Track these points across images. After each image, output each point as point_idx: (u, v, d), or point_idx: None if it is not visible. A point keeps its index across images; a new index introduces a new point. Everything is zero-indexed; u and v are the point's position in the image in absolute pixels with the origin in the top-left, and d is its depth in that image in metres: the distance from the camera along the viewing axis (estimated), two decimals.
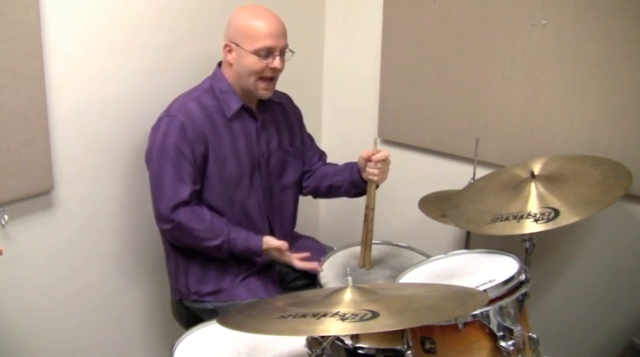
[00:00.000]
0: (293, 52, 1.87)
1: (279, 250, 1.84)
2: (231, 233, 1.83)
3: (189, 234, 1.80)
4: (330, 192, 2.08)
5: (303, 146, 2.11)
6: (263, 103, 1.95)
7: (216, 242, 1.81)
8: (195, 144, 1.79)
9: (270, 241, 1.84)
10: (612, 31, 1.83)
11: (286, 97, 2.09)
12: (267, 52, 1.79)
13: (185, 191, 1.78)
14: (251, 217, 1.94)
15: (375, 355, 1.60)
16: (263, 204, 1.97)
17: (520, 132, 2.08)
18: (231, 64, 1.85)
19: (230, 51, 1.84)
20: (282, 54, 1.83)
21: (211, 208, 1.87)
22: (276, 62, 1.80)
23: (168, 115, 1.82)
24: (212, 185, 1.86)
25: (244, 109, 1.89)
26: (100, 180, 1.97)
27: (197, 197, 1.84)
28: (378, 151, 1.85)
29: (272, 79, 1.85)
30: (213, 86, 1.88)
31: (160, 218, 1.81)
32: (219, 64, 1.92)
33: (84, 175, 1.93)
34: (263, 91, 1.84)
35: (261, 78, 1.82)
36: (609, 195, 1.59)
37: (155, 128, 1.84)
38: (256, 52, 1.78)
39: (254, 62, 1.79)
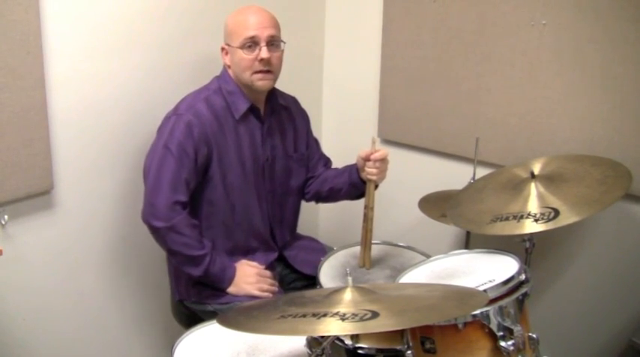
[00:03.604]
0: (284, 42, 1.85)
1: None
2: (214, 251, 1.83)
3: (180, 239, 1.77)
4: (331, 195, 2.07)
5: (309, 152, 2.10)
6: (270, 106, 1.94)
7: (199, 252, 1.79)
8: (199, 144, 1.78)
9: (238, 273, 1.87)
10: (612, 31, 1.83)
11: (293, 100, 2.08)
12: (253, 43, 1.78)
13: (184, 191, 1.77)
14: (253, 221, 1.94)
15: (375, 355, 1.60)
16: (265, 209, 1.97)
17: (520, 132, 2.08)
18: (229, 66, 1.86)
19: (226, 53, 1.85)
20: (270, 45, 1.80)
21: (213, 212, 1.87)
22: (262, 53, 1.78)
23: (176, 113, 1.81)
24: (215, 189, 1.85)
25: (252, 110, 1.88)
26: (100, 180, 1.97)
27: (192, 199, 1.84)
28: (376, 151, 1.85)
29: (268, 72, 1.82)
30: (221, 87, 1.87)
31: (155, 215, 1.76)
32: None
33: (84, 175, 1.93)
34: (260, 81, 1.82)
35: (255, 71, 1.81)
36: (609, 195, 1.59)
37: (162, 126, 1.83)
38: (242, 46, 1.78)
39: (241, 58, 1.79)
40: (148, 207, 1.78)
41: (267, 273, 1.90)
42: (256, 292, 1.84)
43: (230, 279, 1.86)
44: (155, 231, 1.78)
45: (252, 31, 1.78)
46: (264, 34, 1.79)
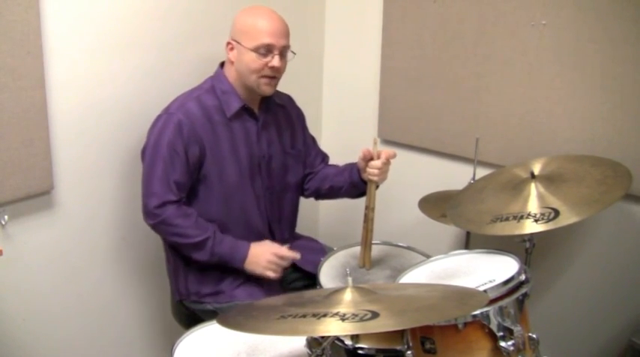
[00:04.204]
0: (294, 54, 1.87)
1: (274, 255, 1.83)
2: (217, 233, 1.83)
3: (173, 230, 1.79)
4: (331, 193, 2.08)
5: (306, 148, 2.10)
6: (265, 105, 1.94)
7: (200, 238, 1.79)
8: (189, 143, 1.79)
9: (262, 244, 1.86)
10: (612, 31, 1.83)
11: (288, 98, 2.09)
12: (267, 50, 1.79)
13: (173, 193, 1.78)
14: (251, 219, 1.94)
15: (375, 355, 1.60)
16: (263, 206, 1.97)
17: (520, 132, 2.08)
18: (232, 62, 1.85)
19: (232, 49, 1.84)
20: (282, 54, 1.82)
21: (210, 210, 1.87)
22: (275, 61, 1.79)
23: (167, 112, 1.82)
24: (210, 187, 1.86)
25: (245, 109, 1.89)
26: (100, 180, 1.97)
27: (186, 197, 1.84)
28: (379, 152, 1.85)
29: (273, 77, 1.84)
30: (214, 86, 1.88)
31: (147, 214, 1.81)
32: (222, 65, 1.92)
33: (84, 175, 1.93)
34: (265, 86, 1.83)
35: (262, 76, 1.82)
36: (609, 195, 1.59)
37: (153, 125, 1.84)
38: (255, 50, 1.78)
39: (253, 60, 1.79)
40: (142, 207, 1.83)
41: (284, 253, 1.84)
42: (268, 274, 1.83)
43: (242, 258, 1.83)
44: (151, 227, 1.84)
45: (269, 39, 1.78)
46: (280, 43, 1.80)
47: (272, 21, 1.80)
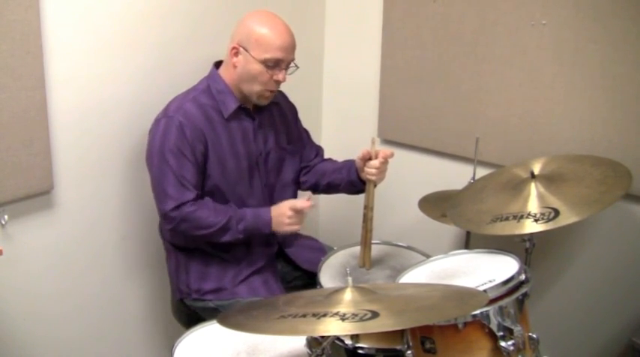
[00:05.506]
0: (297, 67, 1.87)
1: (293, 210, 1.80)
2: (236, 209, 1.84)
3: (196, 224, 1.79)
4: (329, 189, 2.09)
5: (300, 143, 2.11)
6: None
7: (223, 221, 1.79)
8: (194, 143, 1.79)
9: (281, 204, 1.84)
10: (612, 31, 1.83)
11: (282, 95, 2.09)
12: (275, 64, 1.79)
13: (190, 191, 1.79)
14: None
15: (375, 355, 1.60)
16: (263, 202, 1.97)
17: (520, 132, 2.08)
18: (235, 67, 1.84)
19: (237, 54, 1.83)
20: (287, 67, 1.83)
21: None
22: (281, 75, 1.81)
23: (165, 116, 1.82)
24: (211, 185, 1.86)
25: (241, 109, 1.89)
26: (100, 180, 1.97)
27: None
28: (377, 152, 1.85)
29: (273, 90, 1.86)
30: (210, 86, 1.87)
31: (165, 217, 1.81)
32: (216, 65, 1.92)
33: (84, 175, 1.93)
34: (264, 99, 1.86)
35: (265, 88, 1.83)
36: (609, 195, 1.59)
37: (153, 130, 1.83)
38: (264, 62, 1.78)
39: (260, 72, 1.79)
40: (160, 215, 1.83)
41: (299, 206, 1.81)
42: (292, 229, 1.83)
43: (267, 223, 1.83)
44: (173, 230, 1.84)
45: (280, 54, 1.78)
46: (289, 58, 1.81)
47: (285, 35, 1.80)
